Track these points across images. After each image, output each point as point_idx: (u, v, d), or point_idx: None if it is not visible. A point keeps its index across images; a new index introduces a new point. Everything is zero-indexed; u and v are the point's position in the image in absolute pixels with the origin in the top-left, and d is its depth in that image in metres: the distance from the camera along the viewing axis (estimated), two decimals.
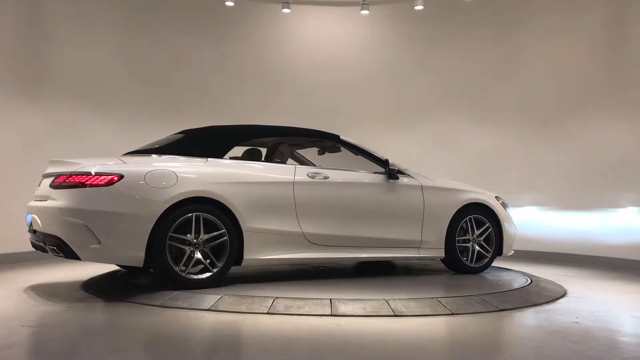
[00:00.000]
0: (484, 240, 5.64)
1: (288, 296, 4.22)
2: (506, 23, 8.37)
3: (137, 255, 4.26)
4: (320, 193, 4.96)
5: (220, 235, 4.49)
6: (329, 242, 4.95)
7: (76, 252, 4.22)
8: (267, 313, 3.93)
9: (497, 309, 4.19)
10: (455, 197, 5.52)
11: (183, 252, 4.38)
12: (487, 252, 5.65)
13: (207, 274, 4.45)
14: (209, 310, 4.01)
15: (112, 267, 5.61)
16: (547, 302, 4.57)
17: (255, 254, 4.65)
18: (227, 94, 8.70)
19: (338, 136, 5.44)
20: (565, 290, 5.12)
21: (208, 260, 4.47)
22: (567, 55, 7.83)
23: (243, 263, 4.64)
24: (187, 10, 8.62)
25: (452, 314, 4.02)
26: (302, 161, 5.91)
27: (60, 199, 4.29)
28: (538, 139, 8.02)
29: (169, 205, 4.30)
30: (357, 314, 3.93)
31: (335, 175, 5.11)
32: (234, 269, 5.72)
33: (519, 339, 3.67)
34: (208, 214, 4.45)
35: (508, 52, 8.31)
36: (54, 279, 5.49)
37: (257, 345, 3.24)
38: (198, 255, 4.42)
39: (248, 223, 4.59)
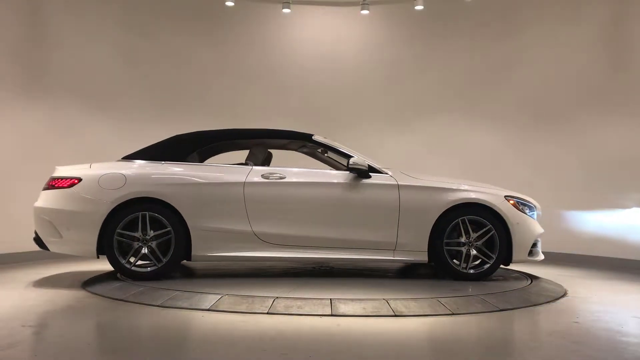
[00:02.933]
0: (485, 244, 5.14)
1: (288, 296, 4.23)
2: (506, 23, 8.37)
3: (89, 248, 4.89)
4: (274, 193, 5.04)
5: (167, 233, 4.91)
6: (284, 241, 5.01)
7: (45, 244, 5.04)
8: (267, 313, 3.93)
9: (497, 309, 4.19)
10: (442, 196, 5.09)
11: (132, 247, 4.90)
12: (488, 258, 5.13)
13: (152, 268, 4.90)
14: (209, 310, 4.02)
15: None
16: (547, 302, 4.57)
17: (204, 251, 4.96)
18: (227, 94, 8.70)
19: (310, 136, 5.45)
20: (565, 290, 5.12)
21: (161, 261, 4.92)
22: (567, 54, 7.83)
23: (192, 259, 4.98)
24: (187, 10, 8.61)
25: (452, 314, 4.02)
26: (331, 163, 5.86)
27: (40, 200, 5.11)
28: (539, 139, 8.02)
29: (115, 204, 4.88)
30: (357, 314, 3.93)
31: (294, 175, 5.15)
32: (234, 270, 5.75)
33: (519, 339, 3.67)
34: (155, 213, 4.91)
35: (508, 51, 8.31)
36: (54, 279, 5.49)
37: (257, 345, 3.24)
38: (144, 250, 4.90)
39: (195, 222, 4.93)
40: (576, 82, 7.71)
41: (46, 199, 5.03)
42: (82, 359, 3.04)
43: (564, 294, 4.95)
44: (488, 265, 5.13)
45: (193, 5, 8.64)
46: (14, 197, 6.77)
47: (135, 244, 4.90)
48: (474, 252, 5.12)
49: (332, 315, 3.90)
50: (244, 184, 5.02)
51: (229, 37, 8.77)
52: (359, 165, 5.07)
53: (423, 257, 5.09)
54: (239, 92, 8.72)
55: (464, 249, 5.11)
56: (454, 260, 5.14)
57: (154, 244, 4.90)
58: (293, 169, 5.26)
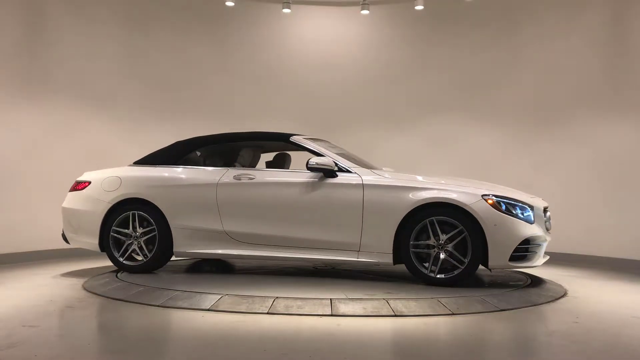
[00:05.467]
0: (458, 247, 4.72)
1: (288, 296, 4.23)
2: (507, 23, 8.36)
3: (94, 242, 5.49)
4: (243, 193, 5.23)
5: (153, 230, 5.34)
6: (253, 240, 5.18)
7: (67, 238, 5.79)
8: (267, 313, 3.93)
9: (497, 309, 4.19)
10: (408, 196, 4.80)
11: (124, 242, 5.41)
12: (460, 262, 4.71)
13: (138, 262, 5.40)
14: (209, 310, 4.02)
15: (112, 267, 5.63)
16: (547, 302, 4.57)
17: (184, 248, 5.34)
18: (227, 93, 8.69)
19: (288, 137, 5.49)
20: (565, 290, 5.12)
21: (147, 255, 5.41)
22: (567, 54, 7.82)
23: (175, 255, 5.41)
24: (187, 10, 8.61)
25: (452, 314, 4.02)
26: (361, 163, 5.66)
27: (65, 201, 5.81)
28: (538, 139, 8.01)
29: (112, 204, 5.44)
30: (357, 314, 3.93)
31: (263, 176, 5.28)
32: (234, 269, 5.75)
33: (519, 339, 3.68)
34: (142, 212, 5.38)
35: (508, 51, 8.31)
36: (54, 279, 5.50)
37: (257, 345, 3.24)
38: (134, 246, 5.39)
39: (175, 220, 5.32)
40: (577, 81, 7.71)
41: (68, 200, 5.77)
42: (82, 359, 3.05)
43: (564, 294, 4.95)
44: (459, 270, 4.71)
45: (193, 5, 8.64)
46: (14, 198, 6.77)
47: (128, 240, 5.39)
48: (443, 255, 4.74)
49: (332, 315, 3.90)
50: (217, 185, 5.27)
51: (229, 37, 8.77)
52: (321, 164, 4.97)
53: (388, 260, 4.87)
54: (239, 92, 8.72)
55: (432, 252, 4.78)
56: (424, 264, 4.81)
57: (142, 241, 5.36)
58: (269, 170, 5.53)
